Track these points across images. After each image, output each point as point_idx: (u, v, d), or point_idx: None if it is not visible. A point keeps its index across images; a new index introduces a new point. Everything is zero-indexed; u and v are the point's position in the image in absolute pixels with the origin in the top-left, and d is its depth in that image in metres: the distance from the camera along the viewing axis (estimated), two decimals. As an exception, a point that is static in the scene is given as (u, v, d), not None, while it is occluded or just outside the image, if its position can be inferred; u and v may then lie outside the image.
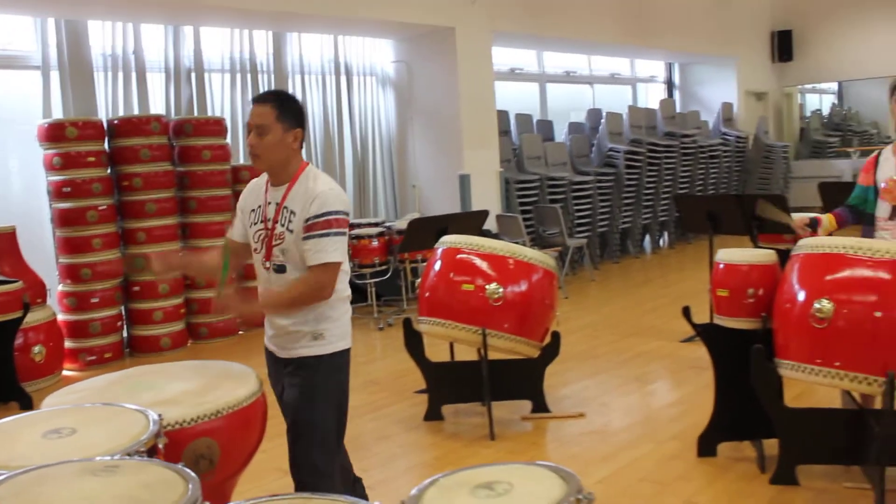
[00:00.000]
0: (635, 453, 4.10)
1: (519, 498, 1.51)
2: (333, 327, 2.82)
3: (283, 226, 2.77)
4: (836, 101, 16.24)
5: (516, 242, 8.21)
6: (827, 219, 3.86)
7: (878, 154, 3.86)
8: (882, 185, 3.73)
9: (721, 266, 3.86)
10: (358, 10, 7.63)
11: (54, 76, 6.75)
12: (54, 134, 6.35)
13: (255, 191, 2.93)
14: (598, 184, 9.98)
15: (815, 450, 3.62)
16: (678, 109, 13.07)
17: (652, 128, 11.30)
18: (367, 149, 8.98)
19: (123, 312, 6.85)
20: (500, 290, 4.31)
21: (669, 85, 13.65)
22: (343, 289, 2.89)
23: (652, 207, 10.86)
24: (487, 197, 8.79)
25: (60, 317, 6.49)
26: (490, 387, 4.54)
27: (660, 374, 5.47)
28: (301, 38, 8.35)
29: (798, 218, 3.88)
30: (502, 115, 9.90)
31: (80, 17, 6.77)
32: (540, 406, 4.75)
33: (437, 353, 4.98)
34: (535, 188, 9.23)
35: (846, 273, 3.28)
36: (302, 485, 2.78)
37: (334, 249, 2.70)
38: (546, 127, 10.72)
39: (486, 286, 4.31)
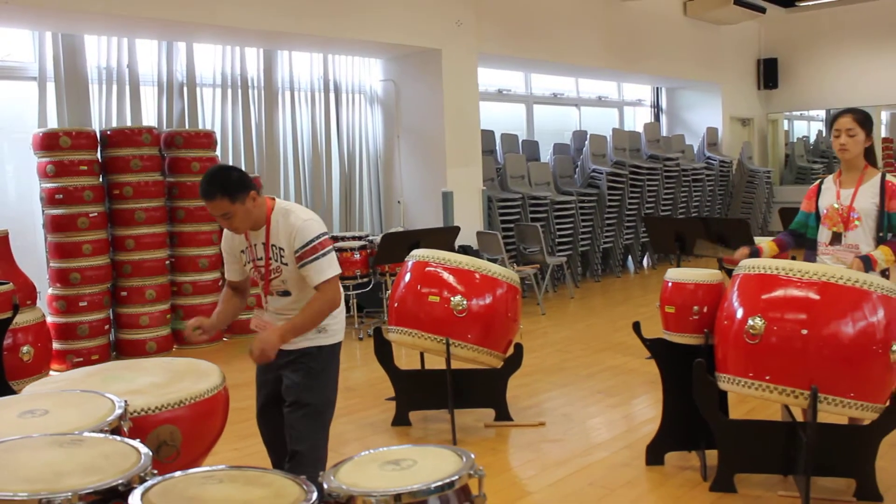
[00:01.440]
0: (588, 460, 4.32)
1: (420, 471, 1.75)
2: (334, 322, 3.27)
3: (276, 261, 3.18)
4: (822, 129, 16.56)
5: (494, 259, 8.49)
6: (767, 246, 4.08)
7: (821, 183, 4.11)
8: (823, 212, 3.98)
9: (669, 284, 4.10)
10: (347, 32, 7.90)
11: (50, 87, 7.00)
12: (48, 143, 6.59)
13: (235, 237, 3.30)
14: (581, 204, 10.24)
15: (752, 459, 3.84)
16: (664, 133, 13.37)
17: (636, 150, 11.58)
18: (354, 164, 9.23)
19: (111, 316, 7.07)
20: (465, 302, 4.54)
21: (656, 109, 13.95)
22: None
23: (634, 228, 11.12)
24: (470, 214, 9.04)
25: (50, 319, 6.70)
26: (455, 395, 4.77)
27: (623, 387, 5.69)
28: (292, 56, 8.61)
29: (739, 253, 4.05)
30: (488, 135, 10.18)
31: (76, 31, 7.03)
32: (503, 414, 4.96)
33: (411, 361, 5.20)
34: (516, 206, 9.48)
35: (778, 293, 3.51)
36: (298, 456, 3.15)
37: (328, 266, 3.12)
38: (531, 147, 10.99)
39: (452, 298, 4.54)
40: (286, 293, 3.23)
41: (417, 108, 9.10)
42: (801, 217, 4.13)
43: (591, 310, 9.00)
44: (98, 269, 6.83)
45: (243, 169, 8.01)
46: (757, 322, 3.45)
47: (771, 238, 4.22)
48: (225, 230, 3.31)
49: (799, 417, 3.88)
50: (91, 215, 6.76)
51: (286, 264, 3.15)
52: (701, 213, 12.38)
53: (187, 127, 7.76)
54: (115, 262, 7.05)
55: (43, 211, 6.80)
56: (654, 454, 4.20)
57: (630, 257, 11.54)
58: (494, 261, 8.49)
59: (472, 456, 1.81)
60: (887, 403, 3.50)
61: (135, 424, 2.54)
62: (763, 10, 12.54)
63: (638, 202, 11.02)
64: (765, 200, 13.32)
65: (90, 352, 6.79)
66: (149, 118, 7.58)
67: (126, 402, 2.39)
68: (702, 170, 12.34)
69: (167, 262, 7.25)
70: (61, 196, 6.66)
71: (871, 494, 3.60)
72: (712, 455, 3.97)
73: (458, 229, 6.45)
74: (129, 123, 7.39)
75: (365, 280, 7.78)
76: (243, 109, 8.20)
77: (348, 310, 7.89)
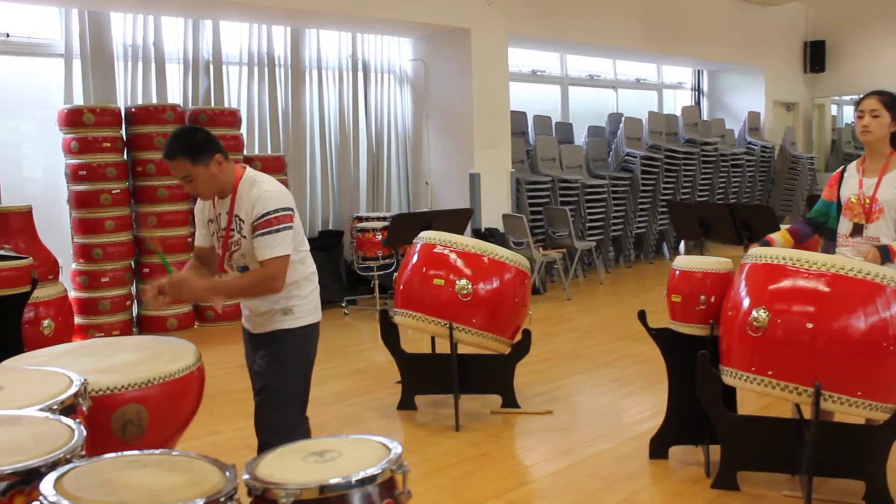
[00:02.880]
0: (590, 451, 4.21)
1: (342, 463, 1.68)
2: (302, 304, 3.10)
3: (237, 232, 3.01)
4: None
5: (520, 242, 8.36)
6: (780, 236, 3.89)
7: (843, 170, 3.91)
8: (845, 201, 3.79)
9: (677, 272, 3.95)
10: (374, 10, 7.81)
11: (76, 64, 7.05)
12: (72, 119, 6.65)
13: (207, 204, 3.17)
14: (613, 188, 10.04)
15: (756, 457, 3.70)
16: (705, 117, 13.05)
17: (673, 134, 11.31)
18: (381, 144, 9.16)
19: (133, 292, 7.13)
20: (470, 286, 4.44)
21: (697, 92, 13.61)
22: (306, 268, 3.13)
23: (668, 213, 10.86)
24: (497, 196, 8.93)
25: (72, 294, 6.79)
26: (461, 380, 4.70)
27: (637, 377, 5.55)
28: (319, 35, 8.55)
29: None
30: (519, 116, 10.02)
31: (103, 8, 7.06)
32: (510, 401, 4.87)
33: (422, 345, 5.12)
34: (546, 189, 9.33)
35: (784, 284, 3.35)
36: (265, 444, 3.02)
37: (277, 245, 2.90)
38: (565, 129, 10.80)
39: (457, 282, 4.45)
40: (245, 268, 3.06)
41: (446, 89, 8.99)
42: (822, 206, 3.93)
43: (620, 296, 8.84)
44: (120, 245, 6.90)
45: (269, 149, 8.11)
46: (761, 314, 3.30)
47: (786, 227, 4.04)
48: (197, 203, 3.21)
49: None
50: (114, 192, 6.82)
51: (244, 237, 2.97)
52: (740, 199, 12.07)
53: (213, 105, 7.76)
54: (138, 239, 7.10)
55: (67, 187, 6.87)
56: (658, 448, 4.08)
57: (665, 243, 11.31)
58: (520, 244, 8.38)
59: (400, 450, 1.73)
60: (900, 403, 3.33)
61: (101, 403, 2.52)
62: (810, -10, 12.13)
63: (673, 187, 10.77)
64: (807, 187, 12.93)
65: (112, 327, 6.87)
66: (174, 96, 7.61)
67: (85, 380, 2.36)
68: (742, 155, 12.01)
69: (189, 239, 7.27)
70: (84, 172, 6.72)
71: (880, 498, 3.43)
72: (718, 451, 3.83)
73: (471, 211, 6.34)
74: (154, 101, 7.41)
75: (387, 261, 7.73)
76: (269, 88, 8.18)
77: (370, 290, 7.86)
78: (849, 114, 16.23)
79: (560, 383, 5.44)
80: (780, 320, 3.27)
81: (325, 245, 8.43)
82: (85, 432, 1.86)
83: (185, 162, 2.89)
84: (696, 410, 3.84)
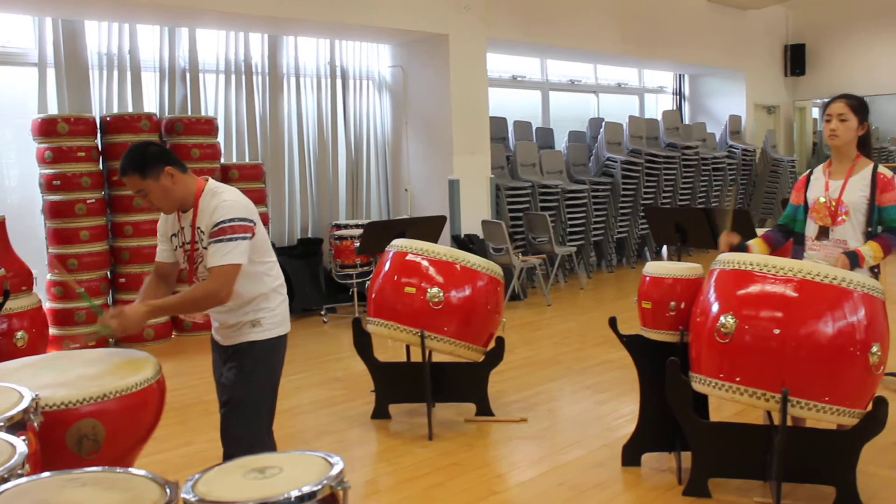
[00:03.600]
0: (563, 459, 4.19)
1: (282, 480, 1.66)
2: (270, 316, 3.07)
3: (200, 245, 2.97)
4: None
5: (499, 248, 8.35)
6: (756, 244, 3.90)
7: (810, 173, 3.92)
8: (811, 204, 3.80)
9: (647, 279, 3.94)
10: (352, 17, 7.79)
11: (51, 73, 7.00)
12: (46, 129, 6.60)
13: (170, 218, 3.13)
14: (594, 193, 10.04)
15: (727, 464, 3.69)
16: (687, 121, 13.08)
17: (654, 138, 11.34)
18: (361, 151, 9.13)
19: (110, 302, 7.07)
20: (441, 293, 4.42)
21: (679, 96, 13.65)
22: (273, 280, 3.11)
23: (650, 218, 10.87)
24: (477, 202, 8.91)
25: (47, 305, 6.73)
26: (435, 388, 4.68)
27: (614, 383, 5.53)
28: (297, 42, 8.52)
29: (723, 238, 3.91)
30: (499, 122, 10.02)
31: (77, 16, 7.01)
32: (484, 409, 4.85)
33: (397, 354, 5.09)
34: (526, 195, 9.32)
35: (751, 289, 3.34)
36: (229, 456, 2.97)
37: (227, 253, 2.85)
38: (546, 135, 10.81)
39: (428, 289, 4.42)
40: None
41: (425, 95, 8.97)
42: (790, 210, 3.95)
43: (600, 301, 8.83)
44: (96, 255, 6.84)
45: (247, 157, 8.06)
46: (728, 320, 3.29)
47: (760, 235, 4.04)
48: (160, 218, 3.17)
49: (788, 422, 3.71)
50: (89, 201, 6.77)
51: (206, 248, 2.92)
52: (722, 202, 12.09)
53: (189, 113, 7.72)
54: (114, 249, 7.05)
55: (42, 197, 6.81)
56: (631, 455, 4.06)
57: (647, 248, 11.32)
58: (500, 250, 8.37)
59: (342, 466, 1.71)
60: (868, 408, 3.33)
61: (55, 418, 2.49)
62: (790, -6, 12.19)
63: (654, 191, 10.79)
64: (788, 190, 12.97)
65: (87, 338, 6.77)
66: (150, 104, 7.56)
67: (37, 395, 2.32)
68: (723, 159, 12.04)
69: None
70: (59, 182, 6.67)
71: (851, 503, 3.42)
72: (689, 457, 3.81)
73: (444, 219, 6.31)
74: (130, 110, 7.36)
75: (366, 268, 7.70)
76: (247, 96, 8.14)
77: (350, 298, 7.83)
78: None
79: (536, 390, 5.42)
80: (747, 326, 3.26)
81: (304, 253, 8.39)
82: (26, 450, 1.83)
83: (134, 177, 2.87)
84: (668, 417, 3.83)
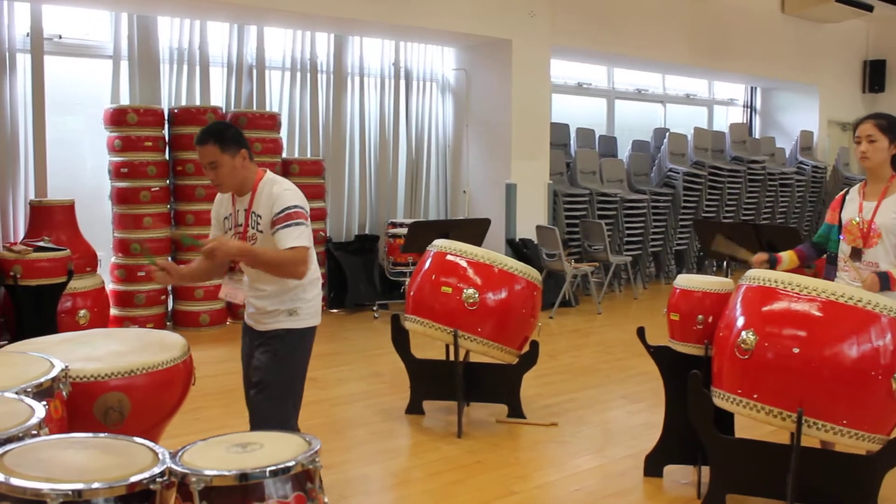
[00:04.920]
0: (584, 465, 4.23)
1: (260, 455, 1.78)
2: (306, 307, 3.28)
3: (253, 228, 3.18)
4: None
5: (552, 254, 8.36)
6: (787, 256, 3.88)
7: (846, 193, 3.86)
8: (844, 224, 3.74)
9: (677, 291, 3.94)
10: (417, 20, 7.93)
11: (124, 65, 7.33)
12: (117, 119, 6.93)
13: (224, 202, 3.35)
14: (654, 203, 9.97)
15: (746, 481, 3.66)
16: (757, 135, 12.84)
17: (720, 151, 11.17)
18: (421, 152, 9.27)
19: (169, 287, 7.36)
20: (477, 295, 4.50)
21: (750, 109, 13.40)
22: (314, 272, 3.28)
23: (711, 231, 10.72)
24: (534, 207, 8.95)
25: (110, 286, 7.06)
26: (468, 388, 4.76)
27: (649, 394, 5.50)
28: (363, 42, 8.70)
29: (756, 257, 3.90)
30: (561, 128, 10.03)
31: (151, 12, 7.33)
32: (515, 411, 4.91)
33: (437, 351, 5.17)
34: (584, 202, 9.32)
35: (775, 307, 3.32)
36: None
37: (298, 236, 3.08)
38: (609, 143, 10.76)
39: (464, 290, 4.51)
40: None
41: (486, 98, 9.06)
42: (824, 229, 3.90)
43: (652, 312, 8.74)
44: (158, 241, 7.13)
45: (309, 153, 8.28)
46: (749, 336, 3.28)
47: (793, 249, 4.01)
48: (217, 195, 3.35)
49: (813, 443, 3.66)
50: (153, 189, 7.07)
51: (261, 232, 3.14)
52: (788, 219, 11.84)
53: (255, 108, 7.97)
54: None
55: (110, 183, 7.15)
56: (653, 465, 4.07)
57: (706, 260, 11.15)
58: (552, 256, 8.39)
59: (318, 446, 1.81)
60: (893, 435, 3.27)
61: (84, 389, 2.66)
62: (870, 9, 11.82)
63: (717, 205, 10.63)
64: (861, 210, 12.60)
65: (146, 320, 7.10)
66: (217, 98, 7.83)
67: (66, 366, 2.49)
68: (792, 175, 11.78)
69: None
70: (126, 170, 6.99)
71: (871, 529, 3.37)
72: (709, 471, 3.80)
73: (488, 222, 6.37)
74: (197, 103, 7.65)
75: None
76: (311, 93, 8.35)
77: (402, 295, 7.95)
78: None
79: (571, 396, 5.45)
80: (767, 343, 3.25)
81: (360, 249, 8.56)
82: (44, 414, 1.98)
83: (214, 147, 3.07)
84: (693, 430, 3.83)
